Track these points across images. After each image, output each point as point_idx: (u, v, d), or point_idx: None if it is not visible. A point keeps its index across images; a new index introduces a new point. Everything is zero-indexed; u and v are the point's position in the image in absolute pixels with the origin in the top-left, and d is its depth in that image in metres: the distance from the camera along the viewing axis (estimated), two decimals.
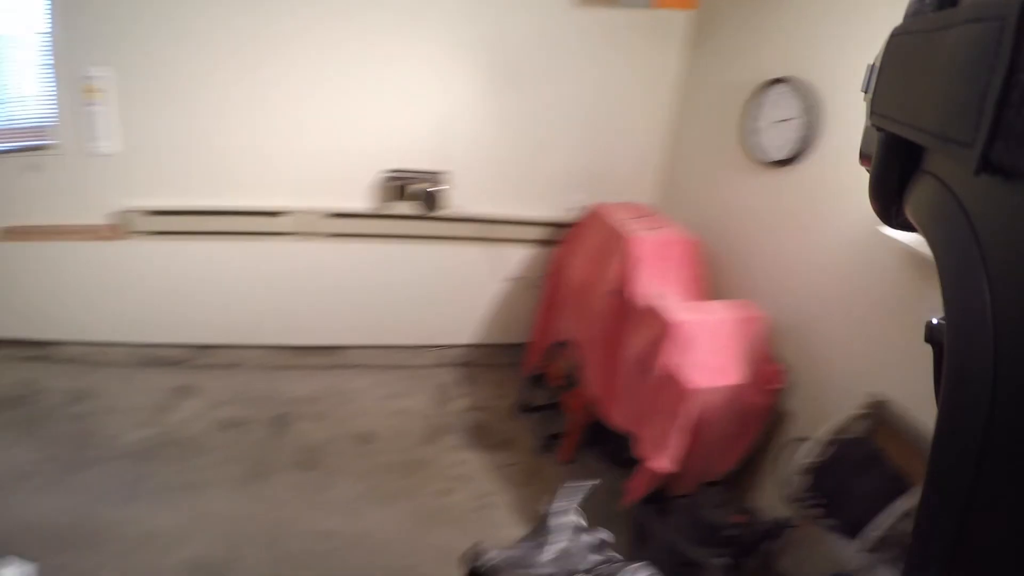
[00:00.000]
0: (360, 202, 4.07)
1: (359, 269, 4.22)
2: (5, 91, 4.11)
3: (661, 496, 2.92)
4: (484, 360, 4.49)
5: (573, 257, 3.65)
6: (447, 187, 3.91)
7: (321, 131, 3.91)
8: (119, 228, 4.17)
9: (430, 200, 3.88)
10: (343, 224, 4.09)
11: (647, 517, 2.92)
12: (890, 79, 0.43)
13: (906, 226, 0.47)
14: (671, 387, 2.65)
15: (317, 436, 3.85)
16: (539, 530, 0.72)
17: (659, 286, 2.96)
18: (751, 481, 3.16)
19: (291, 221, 4.08)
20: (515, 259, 4.12)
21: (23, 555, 2.53)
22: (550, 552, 0.66)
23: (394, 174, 3.91)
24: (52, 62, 3.83)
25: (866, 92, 0.47)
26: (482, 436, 3.87)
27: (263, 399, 4.19)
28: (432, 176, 3.90)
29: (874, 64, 0.46)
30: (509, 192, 4.05)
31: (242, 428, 3.93)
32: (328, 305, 4.34)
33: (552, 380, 3.87)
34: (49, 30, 3.76)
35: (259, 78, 3.82)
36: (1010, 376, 0.29)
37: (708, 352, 2.71)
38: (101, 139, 3.92)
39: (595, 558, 0.73)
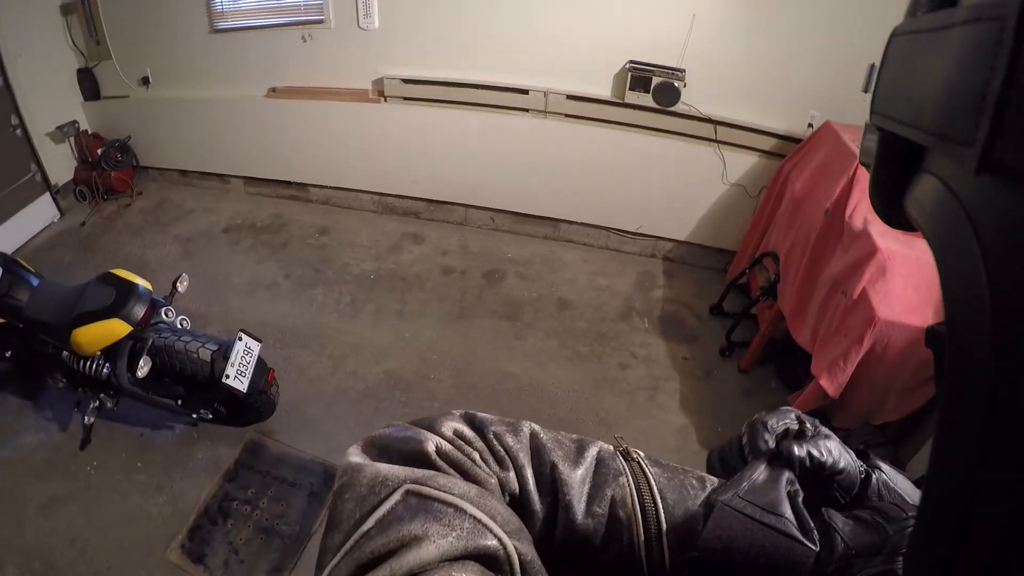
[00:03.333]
0: (600, 88, 4.11)
1: (590, 151, 4.29)
2: None
3: (824, 422, 2.77)
4: (691, 259, 4.48)
5: (798, 171, 3.53)
6: (685, 84, 3.81)
7: (570, 16, 3.95)
8: (377, 92, 4.60)
9: (667, 94, 3.83)
10: (581, 107, 4.16)
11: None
12: (890, 79, 0.41)
13: (906, 225, 0.44)
14: (861, 311, 2.54)
15: (523, 294, 4.07)
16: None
17: None
18: (912, 440, 2.89)
19: (532, 99, 4.23)
20: (741, 165, 4.00)
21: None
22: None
23: (636, 66, 3.89)
24: None
25: (866, 92, 0.48)
26: (672, 327, 3.91)
27: (481, 254, 4.49)
28: (672, 72, 3.80)
29: (875, 64, 0.50)
30: (744, 98, 3.86)
31: (458, 275, 4.25)
32: (554, 180, 4.48)
33: (752, 289, 3.80)
34: None
35: None
36: (1011, 376, 0.29)
37: (909, 288, 2.55)
38: (363, 16, 4.34)
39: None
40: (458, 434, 0.57)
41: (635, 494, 0.59)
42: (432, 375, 3.39)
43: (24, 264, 3.15)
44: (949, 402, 0.36)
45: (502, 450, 0.58)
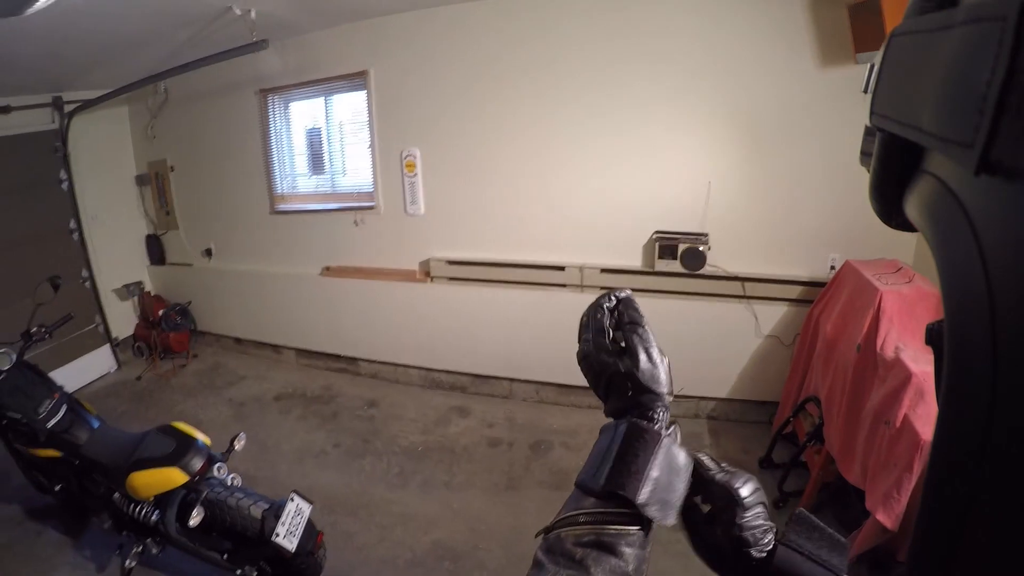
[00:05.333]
0: (631, 259, 4.30)
1: None
2: (340, 164, 5.11)
3: (887, 558, 2.68)
4: (735, 415, 4.45)
5: (825, 313, 3.60)
6: (709, 247, 3.99)
7: (597, 196, 4.24)
8: (423, 272, 4.87)
9: (694, 259, 3.99)
10: (615, 279, 4.32)
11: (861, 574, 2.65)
12: (890, 79, 0.41)
13: (906, 226, 0.44)
14: (906, 438, 2.51)
15: (570, 463, 4.00)
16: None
17: (908, 340, 2.83)
18: None
19: (568, 274, 4.42)
20: (772, 316, 4.09)
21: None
22: None
23: (663, 234, 4.10)
24: (372, 143, 4.74)
25: (866, 92, 0.46)
26: None
27: (527, 426, 4.48)
28: (696, 237, 4.01)
29: (874, 64, 0.45)
30: (766, 251, 4.01)
31: (505, 447, 4.22)
32: None
33: (799, 437, 3.66)
34: (368, 119, 4.69)
35: (540, 152, 4.29)
36: (1010, 377, 0.29)
37: None
38: (410, 203, 4.73)
39: None
40: None
41: None
42: (481, 545, 3.31)
43: (86, 405, 3.26)
44: (948, 400, 0.36)
45: None
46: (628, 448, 0.65)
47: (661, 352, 0.72)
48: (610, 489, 0.62)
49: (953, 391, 0.36)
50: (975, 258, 0.31)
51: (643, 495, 0.61)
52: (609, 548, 0.60)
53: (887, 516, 2.53)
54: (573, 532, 0.62)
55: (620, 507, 0.62)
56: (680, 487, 0.65)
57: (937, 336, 0.41)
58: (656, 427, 0.67)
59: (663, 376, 0.71)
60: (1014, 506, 0.30)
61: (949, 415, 0.36)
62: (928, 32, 0.36)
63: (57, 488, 3.18)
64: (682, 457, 0.67)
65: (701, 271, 4.05)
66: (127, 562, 2.90)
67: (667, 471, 0.64)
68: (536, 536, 0.67)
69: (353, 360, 5.46)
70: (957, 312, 0.35)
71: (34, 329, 3.33)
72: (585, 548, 0.60)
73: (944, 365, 0.37)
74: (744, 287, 4.05)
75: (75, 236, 5.30)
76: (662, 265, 4.13)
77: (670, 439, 0.67)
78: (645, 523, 0.62)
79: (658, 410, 0.69)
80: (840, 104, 3.58)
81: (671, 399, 0.72)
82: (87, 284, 5.43)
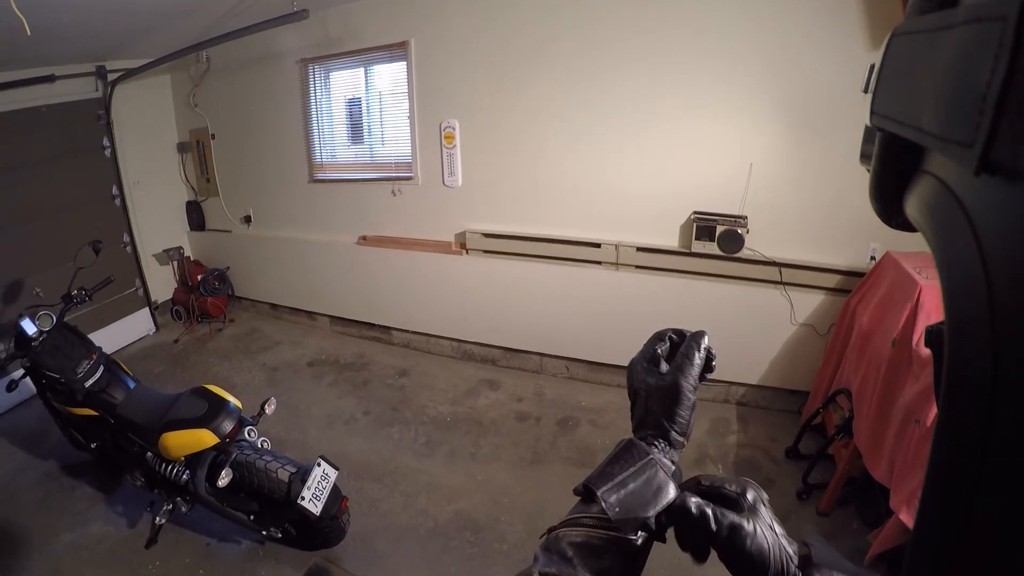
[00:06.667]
0: (668, 239, 4.25)
1: (660, 300, 4.36)
2: (379, 134, 5.13)
3: None
4: (764, 402, 4.40)
5: (864, 305, 3.52)
6: (748, 230, 3.93)
7: (636, 174, 4.18)
8: (459, 244, 4.89)
9: (732, 242, 3.93)
10: (651, 258, 4.29)
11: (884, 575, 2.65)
12: (890, 79, 0.41)
13: (906, 226, 0.45)
14: None
15: (596, 441, 4.02)
16: None
17: None
18: None
19: (603, 252, 4.39)
20: (808, 304, 4.00)
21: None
22: None
23: (701, 216, 4.04)
24: (411, 114, 4.73)
25: (866, 92, 0.45)
26: (746, 472, 3.73)
27: (556, 402, 4.48)
28: (734, 219, 3.96)
29: (874, 64, 0.44)
30: (805, 238, 3.91)
31: (533, 421, 4.23)
32: (627, 330, 4.40)
33: (827, 429, 3.65)
34: (408, 90, 4.68)
35: (579, 127, 4.24)
36: (1010, 377, 0.29)
37: None
38: (448, 175, 4.73)
39: None
40: None
41: None
42: (503, 518, 3.34)
43: (123, 366, 3.36)
44: (948, 401, 0.36)
45: None
46: (617, 457, 0.69)
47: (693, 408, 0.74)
48: (586, 486, 0.66)
49: (953, 391, 0.36)
50: (975, 258, 0.31)
51: (608, 494, 0.64)
52: (597, 552, 0.62)
53: (911, 517, 2.47)
54: (571, 533, 0.65)
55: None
56: (651, 510, 0.65)
57: (937, 338, 0.41)
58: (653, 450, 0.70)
59: (685, 425, 0.73)
60: (1015, 507, 0.30)
61: (949, 416, 0.36)
62: (928, 32, 0.36)
63: (93, 446, 3.28)
64: (668, 486, 0.67)
65: (738, 254, 3.99)
66: (157, 519, 3.00)
67: (645, 487, 0.66)
68: (541, 537, 0.69)
69: (386, 329, 5.52)
70: (957, 312, 0.35)
71: (74, 292, 3.42)
72: (576, 548, 0.63)
73: (944, 365, 0.36)
74: (781, 273, 3.98)
75: (117, 202, 5.42)
76: (699, 247, 4.06)
77: (657, 460, 0.68)
78: (649, 534, 0.65)
79: (661, 442, 0.72)
80: None
81: (682, 443, 0.73)
82: (128, 249, 5.56)
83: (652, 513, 0.64)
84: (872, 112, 0.43)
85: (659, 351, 0.78)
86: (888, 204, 0.45)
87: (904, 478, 2.62)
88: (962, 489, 0.33)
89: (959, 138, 0.30)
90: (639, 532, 0.64)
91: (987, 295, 0.30)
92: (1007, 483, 0.30)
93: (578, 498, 0.70)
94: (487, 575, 2.97)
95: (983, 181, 0.29)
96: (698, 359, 0.74)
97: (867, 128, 0.45)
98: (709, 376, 0.75)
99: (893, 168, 0.43)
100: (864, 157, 0.47)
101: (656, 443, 0.71)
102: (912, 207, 0.42)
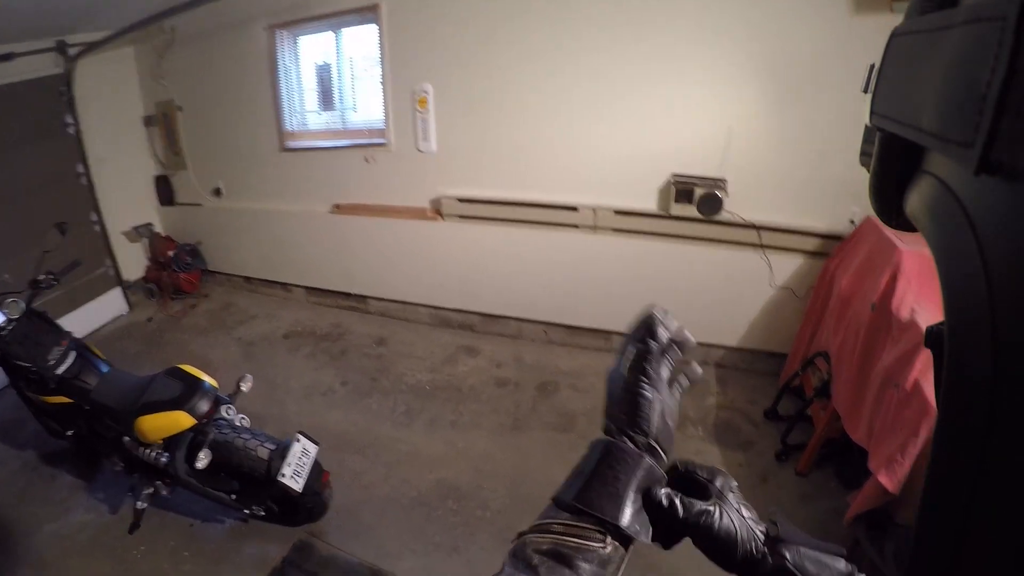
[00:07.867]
0: (646, 202, 4.21)
1: (638, 264, 4.35)
2: (351, 100, 5.04)
3: (886, 519, 2.70)
4: (743, 364, 4.44)
5: (843, 269, 3.53)
6: (727, 192, 3.88)
7: (614, 136, 4.12)
8: (434, 210, 4.82)
9: (711, 204, 3.92)
10: (629, 221, 4.27)
11: (862, 536, 2.72)
12: (890, 79, 0.41)
13: (906, 226, 0.45)
14: (915, 403, 2.47)
15: (576, 405, 4.03)
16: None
17: (925, 303, 2.77)
18: None
19: (581, 215, 4.36)
20: (787, 267, 4.01)
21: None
22: None
23: (679, 178, 4.00)
24: (383, 79, 4.62)
25: (866, 92, 0.46)
26: (726, 434, 3.83)
27: (535, 367, 4.49)
28: (713, 182, 3.92)
29: (874, 64, 0.45)
30: (784, 201, 3.90)
31: (512, 387, 4.24)
32: (605, 293, 4.51)
33: (806, 391, 3.68)
34: (380, 55, 4.56)
35: (556, 90, 4.16)
36: (1010, 377, 0.29)
37: None
38: (422, 139, 4.64)
39: None
40: None
41: None
42: (485, 485, 3.36)
43: (95, 350, 3.30)
44: (948, 401, 0.37)
45: None
46: (606, 468, 0.66)
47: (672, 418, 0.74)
48: (582, 507, 0.63)
49: (953, 391, 0.36)
50: (975, 257, 0.31)
51: (626, 518, 0.62)
52: (566, 560, 0.60)
53: (889, 479, 2.52)
54: (538, 539, 0.63)
55: (590, 523, 0.62)
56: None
57: (937, 338, 0.41)
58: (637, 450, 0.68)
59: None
60: (1016, 507, 0.30)
61: (949, 415, 0.37)
62: (928, 32, 0.36)
63: (69, 433, 3.24)
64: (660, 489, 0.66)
65: (717, 217, 3.98)
66: (139, 503, 2.98)
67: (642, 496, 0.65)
68: (512, 541, 0.67)
69: (362, 298, 5.48)
70: (957, 312, 0.35)
71: (41, 277, 3.31)
72: (542, 556, 0.61)
73: (944, 364, 0.37)
74: (760, 236, 3.98)
75: (83, 180, 5.26)
76: (678, 209, 4.05)
77: (649, 464, 0.67)
78: (622, 542, 0.63)
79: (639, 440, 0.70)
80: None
81: (666, 459, 0.71)
82: (96, 228, 5.42)
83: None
84: (872, 112, 0.43)
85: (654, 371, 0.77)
86: (888, 203, 0.46)
87: (883, 441, 2.65)
88: (963, 489, 0.33)
89: (959, 138, 0.30)
90: (610, 539, 0.62)
91: (987, 295, 0.30)
92: (1008, 483, 0.30)
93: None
94: (471, 542, 2.99)
95: (983, 181, 0.29)
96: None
97: (867, 128, 0.47)
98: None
99: (893, 168, 0.43)
100: (864, 157, 0.49)
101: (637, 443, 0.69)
102: (912, 207, 0.42)
